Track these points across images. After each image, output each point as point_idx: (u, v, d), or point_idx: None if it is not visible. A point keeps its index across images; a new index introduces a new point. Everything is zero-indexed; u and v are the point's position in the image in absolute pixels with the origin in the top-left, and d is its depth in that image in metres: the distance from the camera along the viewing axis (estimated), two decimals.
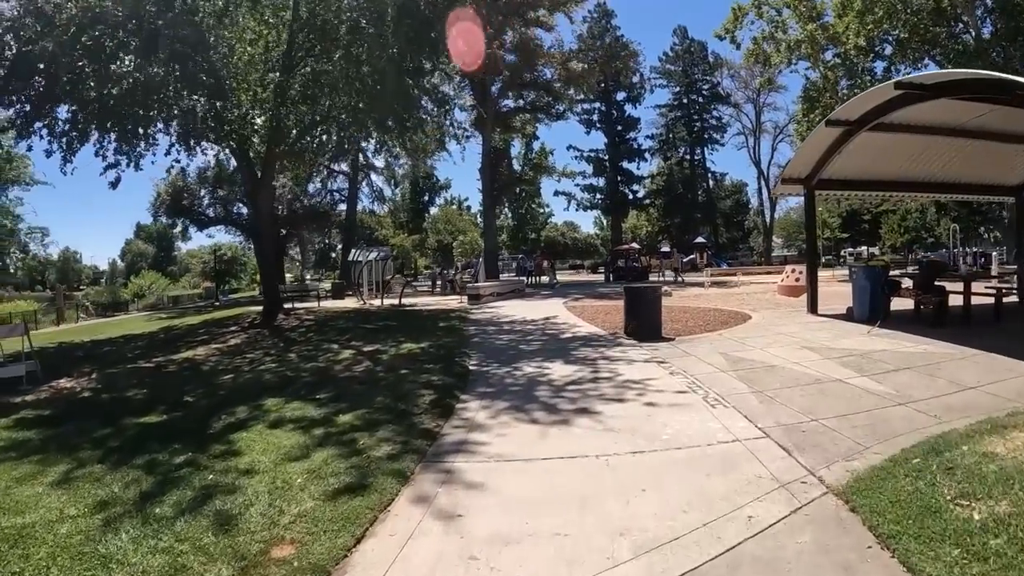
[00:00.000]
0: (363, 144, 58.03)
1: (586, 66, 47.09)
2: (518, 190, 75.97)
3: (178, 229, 53.97)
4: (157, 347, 18.70)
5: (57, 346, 20.81)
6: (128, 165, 20.31)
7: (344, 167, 60.79)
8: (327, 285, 41.39)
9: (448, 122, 28.34)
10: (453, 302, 28.29)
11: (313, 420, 8.33)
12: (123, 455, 7.13)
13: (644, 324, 13.96)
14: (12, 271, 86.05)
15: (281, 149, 24.59)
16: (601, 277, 51.62)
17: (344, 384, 10.80)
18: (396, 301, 28.90)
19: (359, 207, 66.67)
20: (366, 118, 23.00)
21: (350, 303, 31.75)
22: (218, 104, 20.77)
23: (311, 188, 60.82)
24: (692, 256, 64.52)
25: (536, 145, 67.83)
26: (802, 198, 19.93)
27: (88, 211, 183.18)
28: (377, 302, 29.47)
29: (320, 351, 15.22)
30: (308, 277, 73.23)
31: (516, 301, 27.89)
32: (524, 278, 41.86)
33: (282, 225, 54.15)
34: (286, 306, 26.66)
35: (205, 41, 20.14)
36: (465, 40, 25.35)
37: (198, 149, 22.88)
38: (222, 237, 66.78)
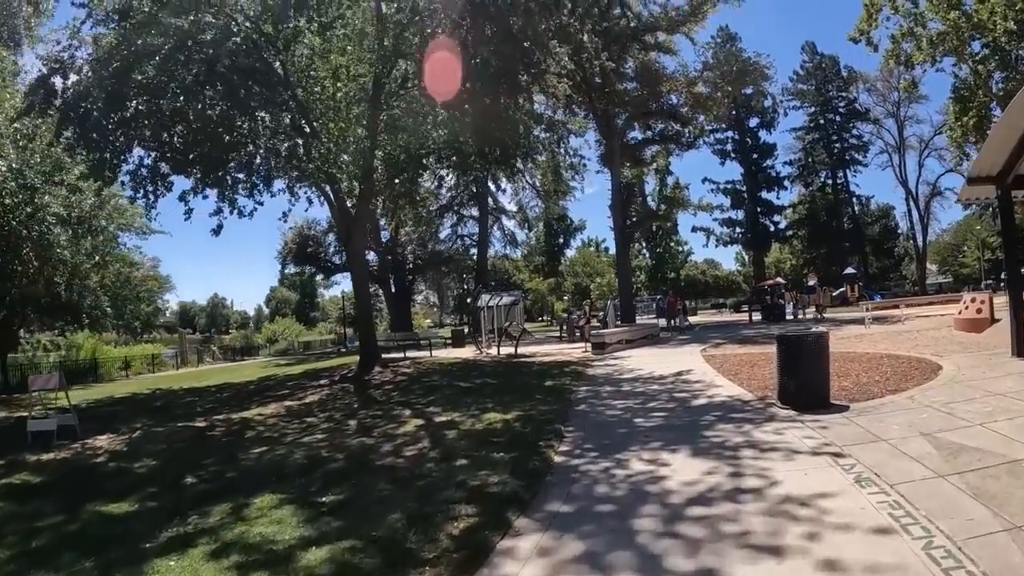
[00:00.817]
0: (491, 186, 58.63)
1: (713, 88, 43.35)
2: (654, 227, 72.46)
3: (304, 277, 53.76)
4: (235, 400, 17.97)
5: (131, 396, 21.09)
6: (231, 211, 19.57)
7: (474, 211, 59.95)
8: (447, 332, 39.28)
9: (562, 150, 25.98)
10: (577, 351, 24.84)
11: (272, 553, 5.79)
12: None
13: (805, 386, 9.98)
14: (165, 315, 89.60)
15: (376, 187, 22.76)
16: (744, 316, 47.27)
17: (371, 480, 8.08)
18: (513, 350, 25.99)
19: (491, 252, 65.04)
20: (464, 148, 20.98)
21: (466, 352, 29.06)
22: (299, 141, 19.54)
23: (442, 234, 60.05)
24: (842, 289, 59.64)
25: (670, 180, 64.85)
26: (990, 204, 15.56)
27: (240, 259, 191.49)
28: (495, 351, 26.57)
29: (385, 419, 12.53)
30: (447, 322, 71.84)
31: (647, 349, 24.23)
32: (662, 320, 37.97)
33: (411, 272, 53.78)
34: (393, 356, 25.47)
35: (272, 71, 19.09)
36: None
37: (299, 192, 21.99)
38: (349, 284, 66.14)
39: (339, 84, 19.92)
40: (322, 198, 23.00)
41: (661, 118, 45.23)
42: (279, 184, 21.30)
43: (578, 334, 30.48)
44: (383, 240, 50.61)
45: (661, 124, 46.92)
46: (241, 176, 20.00)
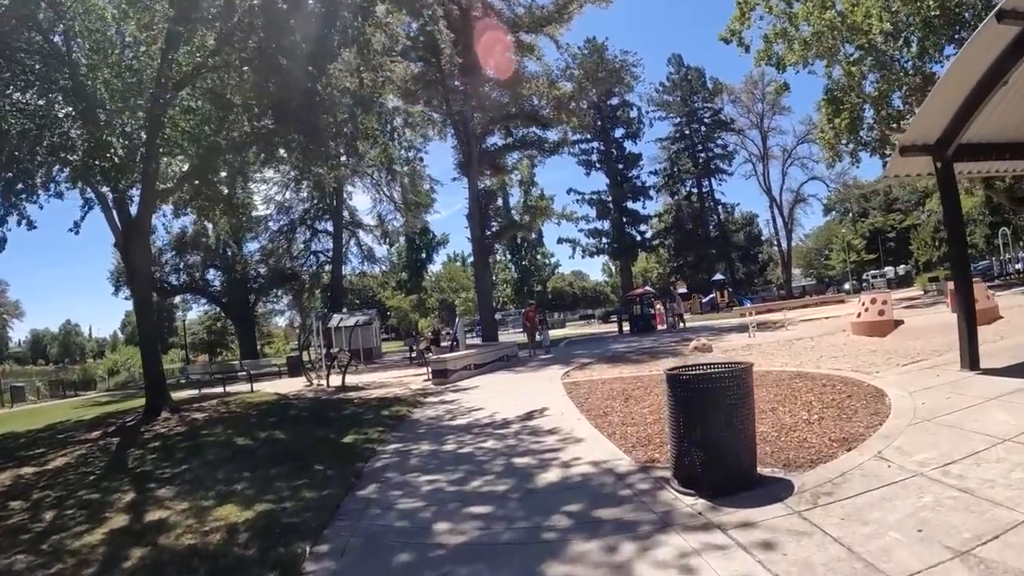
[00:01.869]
0: (344, 196, 53.87)
1: (578, 89, 39.79)
2: (518, 240, 69.41)
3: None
4: None
5: None
6: (20, 222, 14.71)
7: (329, 226, 55.20)
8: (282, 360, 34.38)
9: (394, 140, 21.74)
10: (419, 379, 20.52)
11: None
12: None
13: (718, 458, 5.80)
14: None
15: (162, 188, 17.90)
16: (613, 328, 43.99)
17: None
18: (341, 381, 21.35)
19: (348, 269, 59.91)
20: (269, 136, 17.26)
21: (297, 383, 24.26)
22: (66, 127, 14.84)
23: (295, 250, 54.98)
24: (712, 296, 58.28)
25: (535, 191, 62.31)
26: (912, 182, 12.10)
27: (98, 281, 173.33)
28: (327, 381, 21.83)
29: (92, 510, 7.92)
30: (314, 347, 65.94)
31: (500, 375, 20.06)
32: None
33: (254, 292, 49.45)
34: (211, 391, 21.74)
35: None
36: None
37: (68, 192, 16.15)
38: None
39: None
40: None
41: (522, 121, 41.40)
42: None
43: (420, 358, 25.96)
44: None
45: (523, 129, 43.33)
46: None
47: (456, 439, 10.24)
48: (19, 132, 14.25)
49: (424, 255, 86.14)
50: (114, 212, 18.00)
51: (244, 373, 25.59)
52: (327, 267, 55.76)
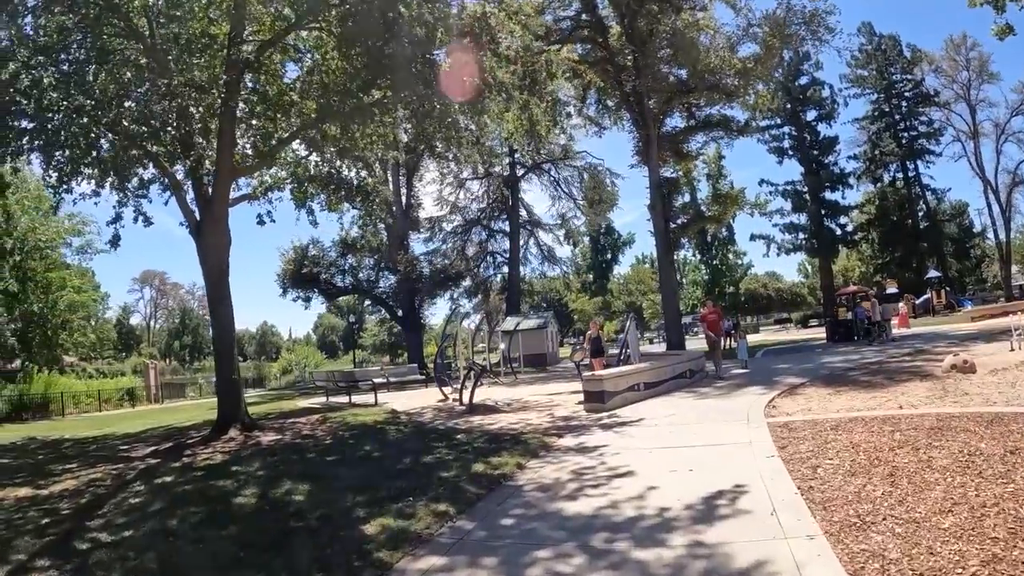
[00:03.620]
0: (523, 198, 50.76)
1: (763, 47, 33.26)
2: (708, 236, 62.63)
3: (299, 301, 45.20)
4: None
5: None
6: (136, 219, 14.08)
7: (505, 225, 51.99)
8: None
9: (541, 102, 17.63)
10: (572, 400, 15.66)
11: None
12: None
13: None
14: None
15: (241, 163, 15.22)
16: (814, 334, 36.98)
17: None
18: (478, 396, 17.17)
19: (527, 270, 55.98)
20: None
21: (429, 398, 20.02)
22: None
23: (470, 251, 52.03)
24: (926, 297, 49.58)
25: (724, 184, 56.47)
26: None
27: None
28: (464, 396, 16.95)
29: None
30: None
31: (676, 400, 14.46)
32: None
33: (418, 293, 44.99)
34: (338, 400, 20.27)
35: None
36: None
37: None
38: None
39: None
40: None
41: (705, 95, 35.21)
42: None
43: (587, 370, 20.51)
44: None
45: (705, 107, 37.36)
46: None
47: (553, 558, 5.16)
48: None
49: (609, 255, 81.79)
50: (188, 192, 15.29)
51: (368, 383, 21.67)
52: (505, 268, 52.56)
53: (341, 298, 54.96)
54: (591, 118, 38.87)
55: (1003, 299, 52.04)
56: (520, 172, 52.48)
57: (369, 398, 19.72)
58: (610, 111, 37.90)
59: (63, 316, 31.26)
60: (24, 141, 12.09)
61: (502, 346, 31.01)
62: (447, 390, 19.72)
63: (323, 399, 22.74)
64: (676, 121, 38.31)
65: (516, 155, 49.29)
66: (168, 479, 9.21)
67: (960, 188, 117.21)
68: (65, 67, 12.26)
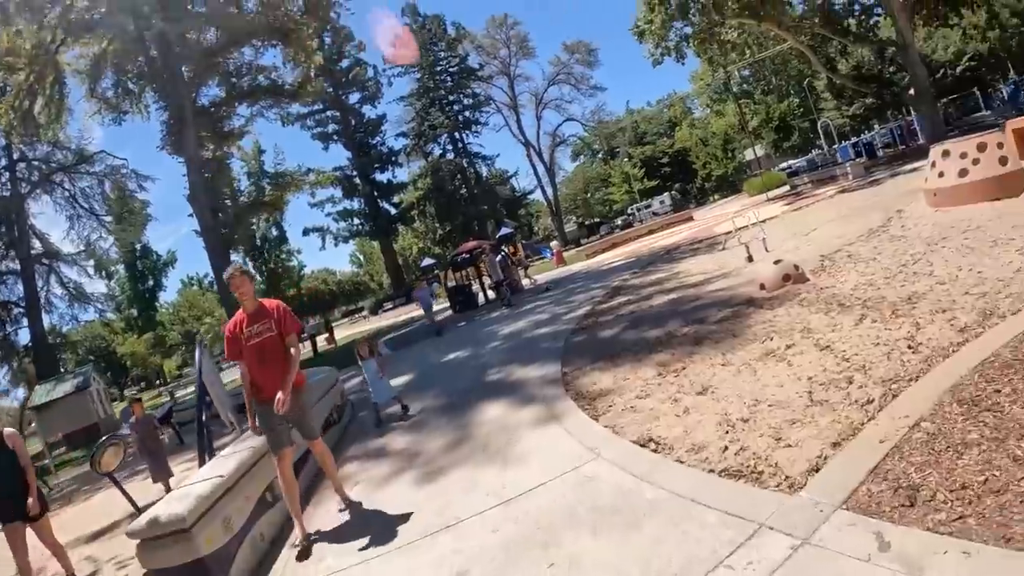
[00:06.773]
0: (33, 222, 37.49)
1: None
2: (258, 240, 56.09)
3: None
4: None
5: None
6: None
7: (11, 264, 38.61)
8: None
9: None
10: None
11: None
12: None
13: None
14: None
15: None
16: (402, 314, 33.14)
17: None
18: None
19: (54, 318, 42.99)
20: None
21: None
22: None
23: None
24: (502, 254, 48.69)
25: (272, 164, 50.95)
26: None
27: None
28: None
29: None
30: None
31: None
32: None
33: None
34: None
35: None
36: None
37: None
38: None
39: None
40: None
41: (230, 52, 28.93)
42: None
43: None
44: None
45: (247, 76, 30.89)
46: None
47: None
48: None
49: (152, 282, 69.38)
50: None
51: None
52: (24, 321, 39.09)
53: None
54: (108, 101, 30.00)
55: (560, 243, 54.66)
56: (25, 189, 39.14)
57: None
58: (132, 95, 29.78)
59: None
60: None
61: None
62: None
63: None
64: (214, 90, 31.56)
65: (19, 165, 37.67)
66: None
67: (508, 155, 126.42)
68: None
